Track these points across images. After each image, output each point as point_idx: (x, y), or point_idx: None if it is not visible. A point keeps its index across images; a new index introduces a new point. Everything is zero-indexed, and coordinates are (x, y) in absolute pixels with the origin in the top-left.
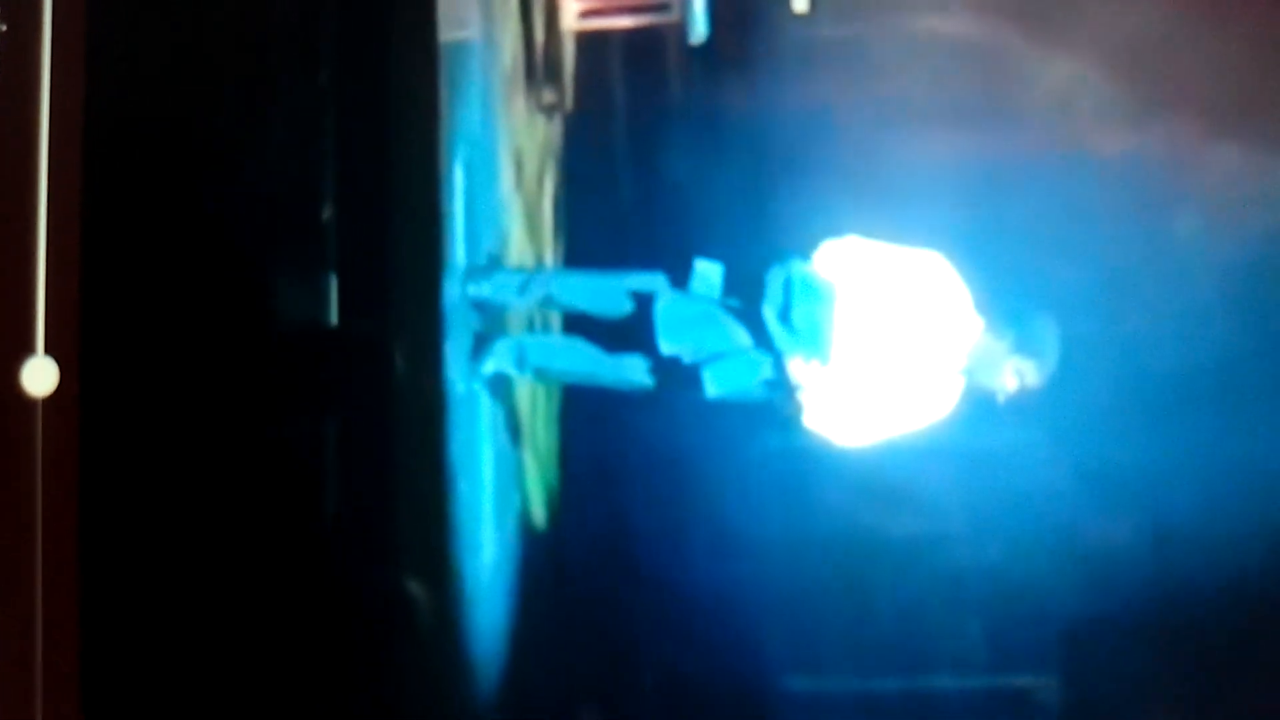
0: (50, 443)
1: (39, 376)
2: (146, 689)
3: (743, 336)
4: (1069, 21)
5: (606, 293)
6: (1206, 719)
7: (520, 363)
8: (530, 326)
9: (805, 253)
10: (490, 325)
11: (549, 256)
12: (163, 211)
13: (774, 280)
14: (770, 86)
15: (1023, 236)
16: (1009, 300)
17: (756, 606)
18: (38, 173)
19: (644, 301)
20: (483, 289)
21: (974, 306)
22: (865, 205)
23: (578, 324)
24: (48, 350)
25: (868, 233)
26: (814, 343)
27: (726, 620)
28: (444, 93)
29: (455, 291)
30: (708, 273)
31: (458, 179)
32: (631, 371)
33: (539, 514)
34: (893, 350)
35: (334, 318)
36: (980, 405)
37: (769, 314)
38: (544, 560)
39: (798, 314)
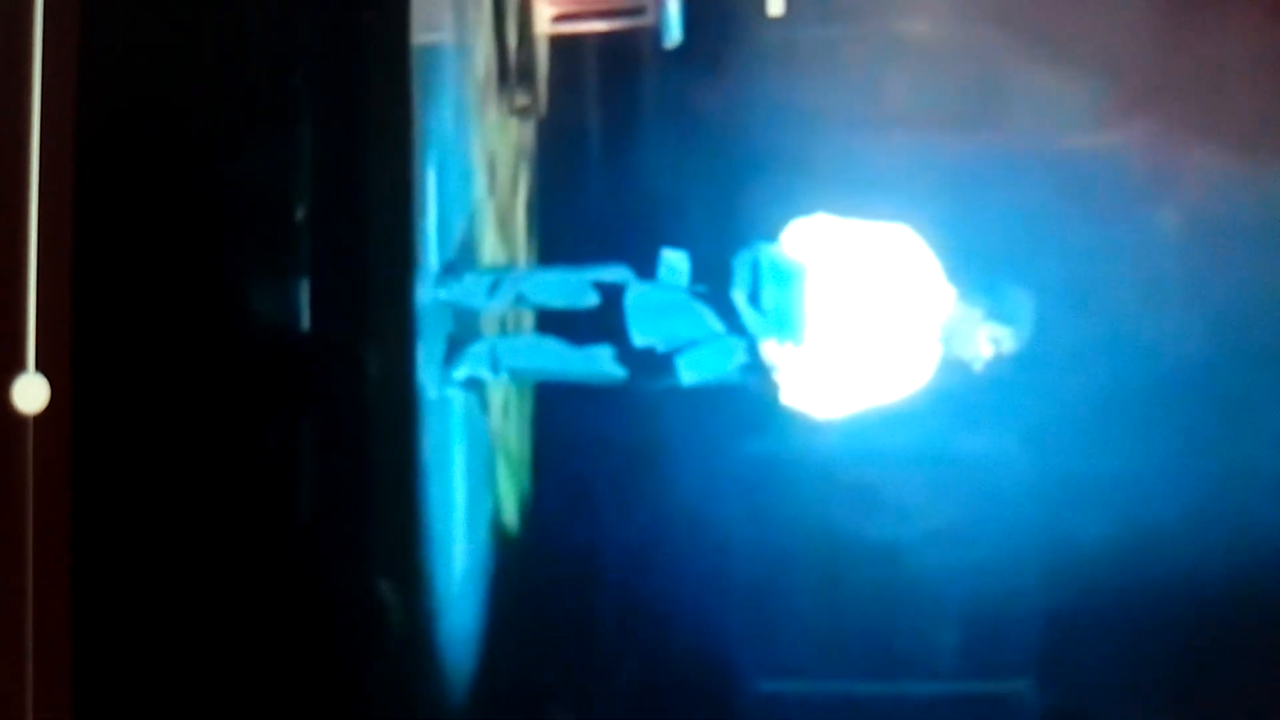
0: (41, 460)
1: (30, 393)
2: (138, 705)
3: (715, 323)
4: (1044, 22)
5: (575, 287)
6: None
7: (494, 365)
8: (503, 328)
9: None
10: (463, 328)
11: (523, 260)
12: (153, 227)
13: (741, 264)
14: (745, 90)
15: (1000, 236)
16: (981, 271)
17: (732, 610)
18: (29, 190)
19: (614, 294)
20: (454, 292)
21: (945, 277)
22: (842, 209)
23: (551, 321)
24: (39, 367)
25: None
26: (786, 323)
27: (701, 623)
28: (417, 96)
29: (428, 295)
30: (675, 261)
31: (431, 182)
32: (605, 364)
33: (511, 518)
34: (866, 324)
35: (312, 322)
36: (959, 385)
37: (739, 298)
38: (517, 564)
39: (767, 296)
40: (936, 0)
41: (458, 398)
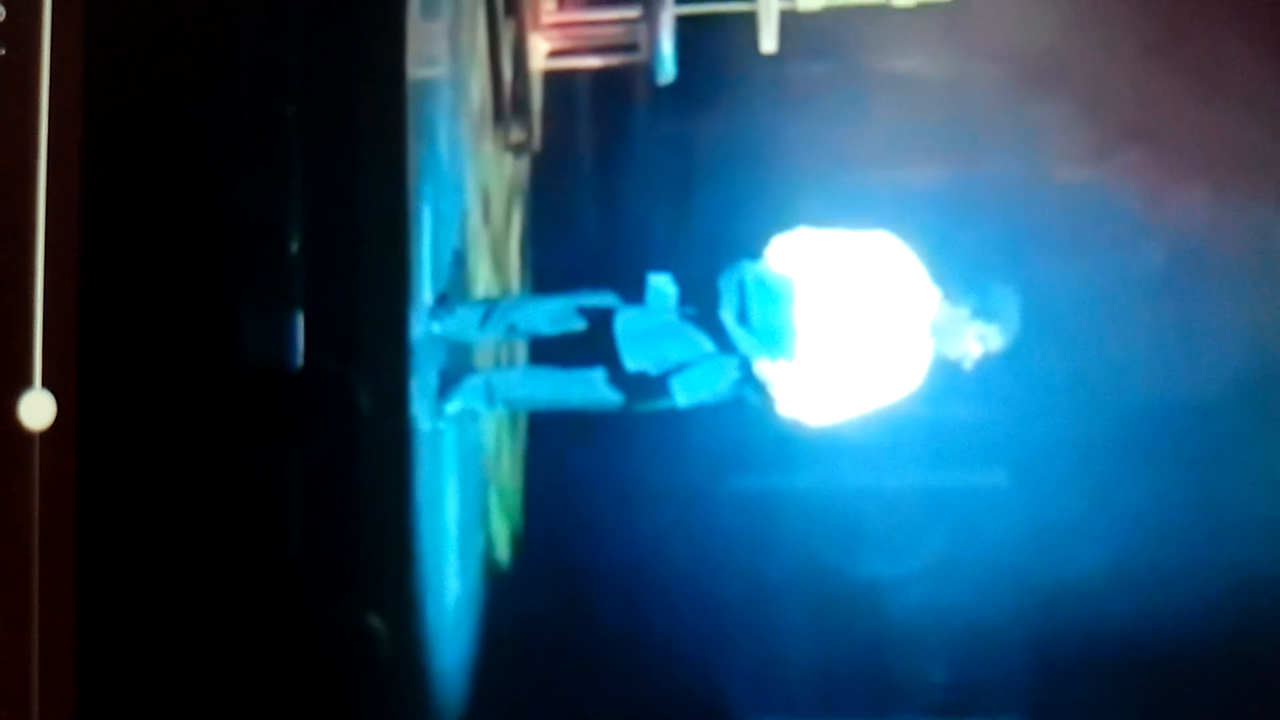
0: (48, 476)
1: (36, 410)
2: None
3: (705, 343)
4: (1031, 58)
5: (564, 315)
6: None
7: (489, 398)
8: (496, 360)
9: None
10: (456, 362)
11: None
12: (155, 253)
13: (727, 284)
14: (739, 126)
15: (988, 270)
16: (967, 273)
17: (725, 644)
18: (35, 207)
19: (604, 319)
20: (447, 325)
21: (930, 279)
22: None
23: (544, 351)
24: (45, 383)
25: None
26: (775, 339)
27: (694, 658)
28: (412, 130)
29: (421, 328)
30: (661, 285)
31: (425, 217)
32: (600, 390)
33: (503, 551)
34: (855, 332)
35: (306, 354)
36: (947, 385)
37: (727, 318)
38: (508, 596)
39: (755, 313)
40: (926, 38)
41: (450, 431)
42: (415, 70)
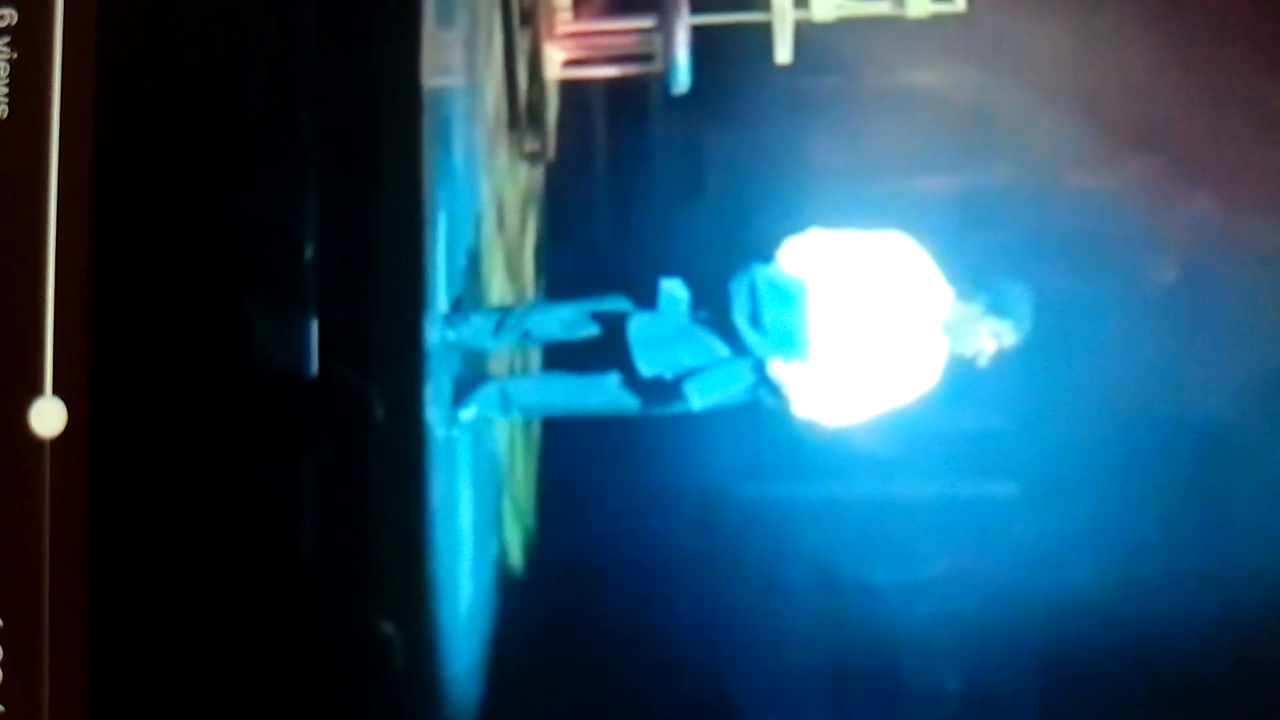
0: (58, 482)
1: (47, 417)
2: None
3: (719, 347)
4: (1038, 71)
5: (578, 321)
6: None
7: (504, 405)
8: (511, 367)
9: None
10: (470, 369)
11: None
12: (167, 263)
13: (739, 287)
14: (753, 136)
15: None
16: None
17: (735, 651)
18: (47, 215)
19: (618, 325)
20: (462, 333)
21: (943, 278)
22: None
23: (558, 356)
24: (56, 391)
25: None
26: (788, 341)
27: (705, 666)
28: (427, 139)
29: (435, 335)
30: (673, 289)
31: (440, 224)
32: (614, 396)
33: (517, 557)
34: (868, 331)
35: (321, 362)
36: (959, 394)
37: (740, 321)
38: (521, 602)
39: (767, 315)
40: (938, 49)
41: (465, 437)
42: (431, 79)
